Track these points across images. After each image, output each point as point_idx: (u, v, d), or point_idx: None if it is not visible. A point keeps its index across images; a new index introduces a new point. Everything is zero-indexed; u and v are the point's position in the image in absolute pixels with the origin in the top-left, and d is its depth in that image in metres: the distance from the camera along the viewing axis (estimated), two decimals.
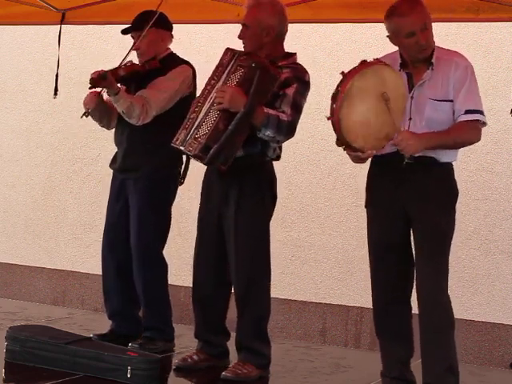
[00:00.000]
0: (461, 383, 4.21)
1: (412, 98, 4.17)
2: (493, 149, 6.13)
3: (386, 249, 4.25)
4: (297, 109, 4.48)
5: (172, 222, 5.12)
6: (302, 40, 6.33)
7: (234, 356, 4.69)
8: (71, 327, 5.51)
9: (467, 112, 4.13)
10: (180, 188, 5.09)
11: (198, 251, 4.73)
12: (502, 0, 4.99)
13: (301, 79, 4.51)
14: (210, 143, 4.37)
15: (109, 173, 5.28)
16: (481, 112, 4.15)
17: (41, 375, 4.41)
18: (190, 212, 6.41)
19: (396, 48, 4.27)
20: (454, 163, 4.24)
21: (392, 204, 4.21)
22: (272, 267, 4.67)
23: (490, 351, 6.12)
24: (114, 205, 5.15)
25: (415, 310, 4.25)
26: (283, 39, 4.62)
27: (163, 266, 5.11)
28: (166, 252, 5.11)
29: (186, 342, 5.14)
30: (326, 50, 6.56)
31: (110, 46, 7.07)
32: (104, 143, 6.90)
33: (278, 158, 4.65)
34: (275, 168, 4.65)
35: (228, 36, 6.45)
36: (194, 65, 5.11)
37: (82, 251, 7.36)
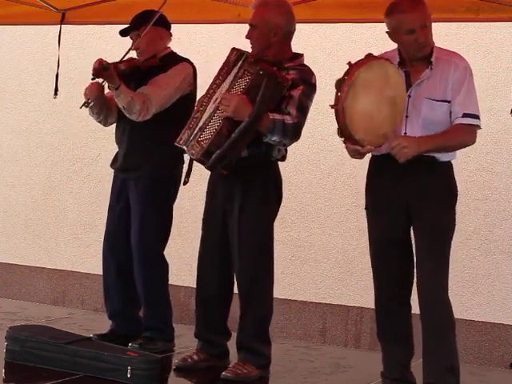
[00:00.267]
0: (461, 383, 4.22)
1: (409, 96, 4.17)
2: (493, 149, 6.13)
3: (388, 244, 4.24)
4: (302, 111, 4.47)
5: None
6: (302, 40, 6.29)
7: (234, 356, 4.69)
8: (71, 327, 5.51)
9: (465, 115, 4.13)
10: (180, 188, 5.09)
11: (203, 251, 4.72)
12: (502, 0, 4.99)
13: (307, 81, 4.51)
14: (213, 148, 4.36)
15: (109, 173, 5.28)
16: (478, 117, 4.16)
17: (41, 375, 4.41)
18: (190, 212, 6.41)
19: (394, 46, 4.27)
20: (453, 162, 4.25)
21: (393, 200, 4.21)
22: None
23: (490, 351, 6.12)
24: (114, 208, 5.14)
25: (415, 310, 4.26)
26: (291, 39, 4.61)
27: (164, 266, 5.10)
28: (166, 252, 5.10)
29: (186, 341, 5.13)
30: (326, 50, 6.56)
31: (110, 46, 7.06)
32: (104, 143, 6.90)
33: (283, 158, 4.64)
34: None
35: (228, 36, 6.47)
36: None
37: (82, 251, 7.35)
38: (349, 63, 3.99)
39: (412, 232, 4.26)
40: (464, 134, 4.16)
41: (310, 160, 6.57)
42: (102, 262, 5.22)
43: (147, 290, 5.03)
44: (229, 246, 4.59)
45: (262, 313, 4.61)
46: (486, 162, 6.17)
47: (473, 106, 4.16)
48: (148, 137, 4.96)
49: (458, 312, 4.43)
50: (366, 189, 4.36)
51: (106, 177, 6.25)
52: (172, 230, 5.12)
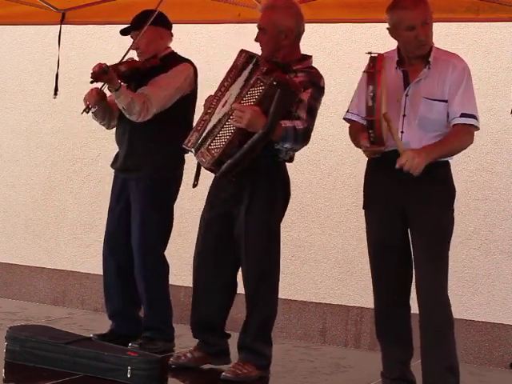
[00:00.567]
0: (461, 383, 4.22)
1: (407, 95, 4.18)
2: (493, 149, 6.13)
3: (385, 250, 4.25)
4: (312, 114, 4.46)
5: None
6: (302, 40, 6.29)
7: (234, 356, 4.69)
8: (71, 327, 5.52)
9: (463, 115, 4.13)
10: (180, 188, 5.09)
11: (200, 250, 4.69)
12: (502, 0, 4.99)
13: (316, 84, 4.48)
14: (224, 158, 4.34)
15: (109, 173, 5.28)
16: (476, 117, 4.16)
17: (41, 375, 4.41)
18: (190, 212, 6.41)
19: (394, 46, 4.27)
20: (451, 162, 4.25)
21: (389, 202, 4.21)
22: None
23: (490, 351, 6.12)
24: (114, 209, 5.14)
25: (414, 310, 4.26)
26: (300, 40, 4.59)
27: (165, 266, 5.10)
28: (166, 252, 5.10)
29: (185, 342, 5.13)
30: (325, 50, 6.55)
31: (110, 46, 7.06)
32: (104, 143, 6.90)
33: (290, 159, 4.62)
34: None
35: (228, 36, 6.47)
36: None
37: (82, 251, 7.35)
38: (369, 53, 3.99)
39: (410, 234, 4.24)
40: (463, 136, 4.16)
41: (309, 160, 6.57)
42: (102, 262, 5.22)
43: (148, 290, 5.03)
44: (227, 247, 4.58)
45: (267, 313, 4.60)
46: (485, 162, 6.17)
47: (471, 106, 4.16)
48: (148, 137, 4.95)
49: (458, 312, 4.44)
50: (364, 187, 4.36)
51: (106, 177, 6.25)
52: (172, 230, 5.12)
